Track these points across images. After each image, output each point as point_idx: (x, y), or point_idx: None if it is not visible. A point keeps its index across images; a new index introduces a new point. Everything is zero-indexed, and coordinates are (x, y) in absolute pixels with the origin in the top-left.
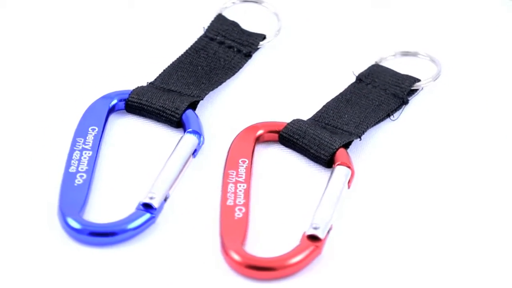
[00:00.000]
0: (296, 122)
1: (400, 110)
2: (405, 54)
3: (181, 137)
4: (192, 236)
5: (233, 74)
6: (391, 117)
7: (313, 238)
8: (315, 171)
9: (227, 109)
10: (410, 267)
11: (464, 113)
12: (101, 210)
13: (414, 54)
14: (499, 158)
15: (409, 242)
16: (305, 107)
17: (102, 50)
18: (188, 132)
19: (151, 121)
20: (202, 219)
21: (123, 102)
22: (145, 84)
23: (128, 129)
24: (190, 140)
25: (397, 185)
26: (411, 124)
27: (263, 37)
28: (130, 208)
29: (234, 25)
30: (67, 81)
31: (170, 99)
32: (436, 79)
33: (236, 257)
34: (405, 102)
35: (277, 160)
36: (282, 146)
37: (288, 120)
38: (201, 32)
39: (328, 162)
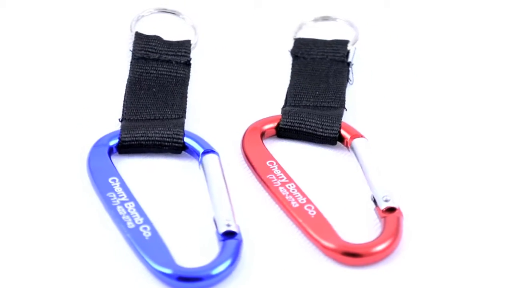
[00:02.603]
0: (289, 112)
1: (351, 73)
2: (318, 20)
3: (203, 160)
4: (276, 246)
5: (188, 84)
6: (349, 81)
7: (389, 210)
8: (329, 152)
9: (197, 120)
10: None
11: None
12: (186, 253)
13: (327, 19)
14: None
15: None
16: (267, 98)
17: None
18: (204, 153)
19: (148, 155)
20: (270, 228)
21: (116, 144)
22: (114, 122)
23: (136, 168)
24: (214, 159)
25: (400, 135)
26: (364, 81)
27: (190, 43)
28: (208, 243)
29: (158, 39)
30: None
31: (165, 126)
32: (358, 38)
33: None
34: (350, 64)
35: (288, 152)
36: (278, 138)
37: (263, 114)
38: (122, 53)
39: (336, 140)
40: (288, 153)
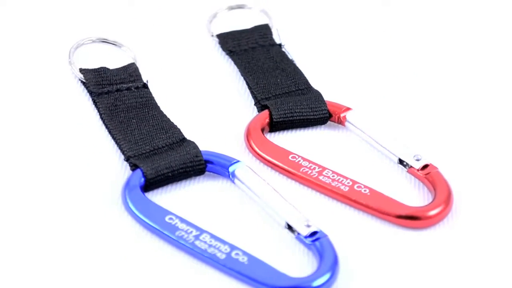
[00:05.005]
0: (275, 104)
1: (287, 53)
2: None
3: (235, 173)
4: (345, 231)
5: (158, 105)
6: (293, 61)
7: (424, 167)
8: (324, 132)
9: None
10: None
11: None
12: (282, 266)
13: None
14: None
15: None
16: (230, 97)
17: None
18: (233, 166)
19: (170, 185)
20: (328, 216)
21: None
22: (121, 164)
23: (171, 200)
24: (246, 169)
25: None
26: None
27: (136, 65)
28: (292, 249)
29: (106, 70)
30: None
31: (181, 152)
32: (272, 20)
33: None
34: (282, 45)
35: (290, 143)
36: (269, 132)
37: (238, 116)
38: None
39: (327, 119)
40: (291, 144)
